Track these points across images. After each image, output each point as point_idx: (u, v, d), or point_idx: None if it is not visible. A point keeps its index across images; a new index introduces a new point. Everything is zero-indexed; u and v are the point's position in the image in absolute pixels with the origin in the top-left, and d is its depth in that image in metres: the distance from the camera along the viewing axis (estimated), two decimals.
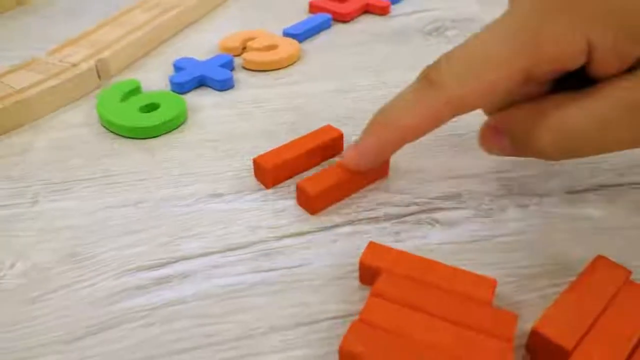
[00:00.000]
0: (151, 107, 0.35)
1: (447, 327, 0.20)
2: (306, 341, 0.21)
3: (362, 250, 0.23)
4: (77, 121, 0.35)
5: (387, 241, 0.25)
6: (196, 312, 0.22)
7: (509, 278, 0.23)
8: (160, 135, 0.33)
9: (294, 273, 0.24)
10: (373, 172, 0.28)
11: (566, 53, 0.21)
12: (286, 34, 0.44)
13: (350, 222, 0.26)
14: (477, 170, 0.29)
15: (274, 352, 0.21)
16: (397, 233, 0.25)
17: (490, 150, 0.25)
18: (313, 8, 0.49)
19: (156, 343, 0.21)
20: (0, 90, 0.35)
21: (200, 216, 0.27)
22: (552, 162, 0.29)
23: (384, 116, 0.24)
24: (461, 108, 0.23)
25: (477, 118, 0.30)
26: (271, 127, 0.34)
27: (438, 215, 0.26)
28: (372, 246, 0.23)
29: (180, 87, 0.37)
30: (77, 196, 0.29)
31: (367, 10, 0.49)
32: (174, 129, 0.34)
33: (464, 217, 0.26)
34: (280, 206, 0.27)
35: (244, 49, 0.43)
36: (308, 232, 0.26)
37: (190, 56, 0.41)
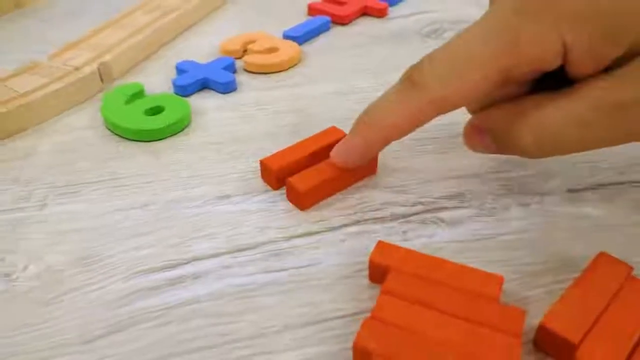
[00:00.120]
0: (156, 110, 0.35)
1: (457, 324, 0.20)
2: (319, 339, 0.21)
3: (370, 250, 0.23)
4: (81, 124, 0.36)
5: (395, 240, 0.25)
6: (210, 312, 0.23)
7: (514, 275, 0.24)
8: (165, 138, 0.34)
9: (304, 273, 0.24)
10: (361, 170, 0.29)
11: (544, 53, 0.21)
12: (286, 36, 0.44)
13: (358, 222, 0.27)
14: (478, 170, 0.30)
15: (287, 350, 0.21)
16: (404, 232, 0.26)
17: (474, 148, 0.26)
18: (312, 11, 0.49)
19: (172, 342, 0.21)
20: (4, 94, 0.35)
21: (209, 218, 0.27)
22: (549, 162, 0.29)
23: (369, 116, 0.25)
24: (443, 108, 0.23)
25: (470, 117, 0.30)
26: (274, 129, 0.34)
27: (443, 214, 0.27)
28: (381, 245, 0.24)
29: (184, 90, 0.38)
30: (86, 199, 0.29)
31: (365, 12, 0.49)
32: (179, 131, 0.34)
33: (468, 216, 0.27)
34: (287, 207, 0.28)
35: (245, 51, 0.43)
36: (316, 233, 0.26)
37: (191, 59, 0.41)
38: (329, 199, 0.28)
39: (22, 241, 0.27)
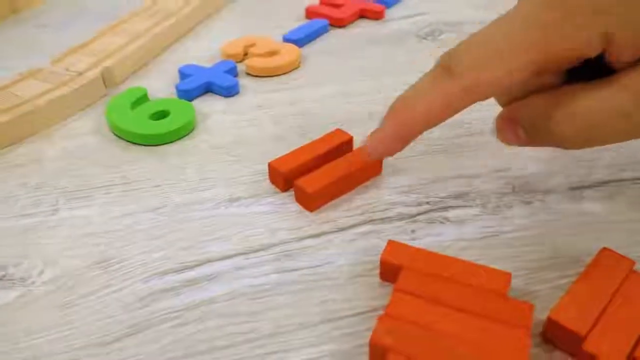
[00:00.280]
0: (161, 115, 0.36)
1: (469, 319, 0.21)
2: (334, 336, 0.22)
3: (380, 249, 0.24)
4: (87, 129, 0.36)
5: (403, 239, 0.26)
6: (227, 312, 0.23)
7: (520, 271, 0.24)
8: (171, 142, 0.34)
9: (317, 272, 0.25)
10: (367, 170, 0.30)
11: (583, 44, 0.21)
12: (286, 39, 0.45)
13: (366, 222, 0.27)
14: (481, 169, 0.30)
15: (305, 347, 0.22)
16: (413, 231, 0.27)
17: (506, 140, 0.26)
18: (309, 14, 0.50)
19: (192, 342, 0.22)
20: (10, 100, 0.36)
21: (220, 220, 0.28)
22: (550, 160, 0.30)
23: (402, 104, 0.25)
24: (477, 96, 0.23)
25: (477, 119, 0.31)
26: (279, 132, 0.35)
27: (449, 213, 0.28)
28: (392, 244, 0.24)
29: (187, 94, 0.38)
30: (97, 204, 0.29)
31: (362, 15, 0.50)
32: (185, 135, 0.35)
33: (473, 214, 0.28)
34: (296, 208, 0.28)
35: (246, 55, 0.43)
36: (326, 233, 0.27)
37: (192, 63, 0.42)
38: (336, 200, 0.29)
39: (36, 246, 0.27)
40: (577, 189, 0.29)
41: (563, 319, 0.21)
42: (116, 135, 0.35)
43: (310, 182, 0.28)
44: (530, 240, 0.26)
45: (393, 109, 0.25)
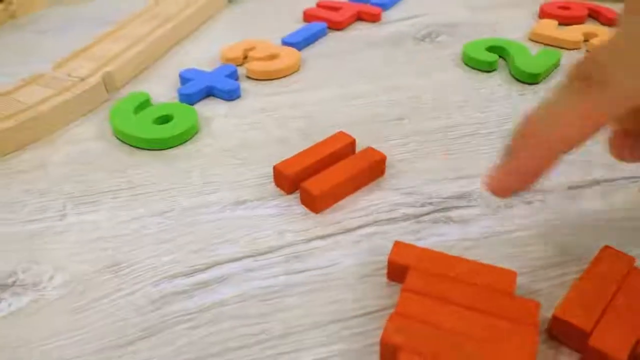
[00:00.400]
0: (164, 119, 0.36)
1: (477, 317, 0.21)
2: (345, 336, 0.23)
3: (385, 249, 0.25)
4: (90, 134, 0.36)
5: (409, 240, 0.27)
6: (239, 314, 0.24)
7: (524, 270, 0.25)
8: (175, 146, 0.34)
9: (325, 273, 0.25)
10: (371, 172, 0.30)
11: None
12: (285, 42, 0.45)
13: (372, 223, 0.28)
14: (481, 170, 0.31)
15: (317, 347, 0.22)
16: (417, 232, 0.27)
17: (621, 156, 0.24)
18: (307, 17, 0.50)
19: (205, 344, 0.22)
20: (13, 106, 0.36)
21: (227, 223, 0.28)
22: None
23: (536, 128, 0.21)
24: (629, 104, 0.20)
25: (473, 119, 0.32)
26: (282, 134, 0.35)
27: (452, 213, 0.28)
28: (399, 245, 0.25)
29: (189, 98, 0.38)
30: (105, 208, 0.30)
31: (359, 17, 0.50)
32: (188, 139, 0.35)
33: (476, 214, 0.28)
34: (302, 210, 0.29)
35: (245, 58, 0.44)
36: (333, 234, 0.27)
37: (193, 67, 0.42)
38: (341, 202, 0.29)
39: (45, 251, 0.27)
40: (575, 189, 0.29)
41: (569, 316, 0.21)
42: (120, 140, 0.35)
43: (316, 185, 0.28)
44: (532, 239, 0.27)
45: (525, 136, 0.21)
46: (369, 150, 0.31)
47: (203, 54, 0.46)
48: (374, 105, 0.37)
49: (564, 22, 0.47)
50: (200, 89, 0.39)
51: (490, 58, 0.41)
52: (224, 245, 0.27)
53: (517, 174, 0.22)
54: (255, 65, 0.42)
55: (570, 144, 0.21)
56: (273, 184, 0.31)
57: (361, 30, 0.49)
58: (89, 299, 0.25)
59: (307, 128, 0.36)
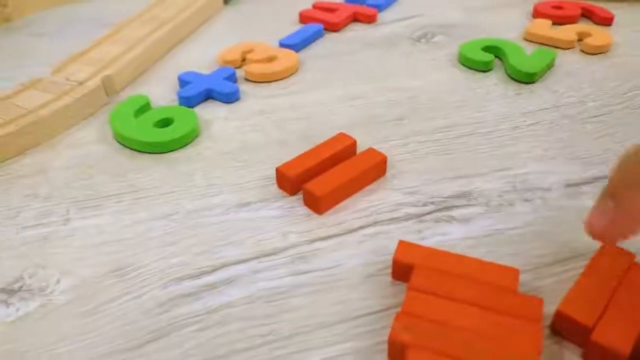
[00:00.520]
0: (165, 122, 0.36)
1: (482, 314, 0.22)
2: (352, 335, 0.23)
3: (389, 248, 0.25)
4: (91, 138, 0.36)
5: (412, 239, 0.27)
6: (246, 315, 0.24)
7: (526, 267, 0.25)
8: (176, 149, 0.35)
9: (330, 273, 0.26)
10: (372, 173, 0.31)
11: None
12: (282, 44, 0.46)
13: (374, 223, 0.28)
14: (481, 169, 0.31)
15: (325, 346, 0.22)
16: (420, 231, 0.27)
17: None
18: (303, 18, 0.50)
19: (214, 345, 0.23)
20: (14, 111, 0.36)
21: (231, 225, 0.28)
22: (547, 159, 0.31)
23: None
24: None
25: (470, 119, 0.32)
26: (282, 136, 0.35)
27: (454, 212, 0.29)
28: (403, 244, 0.25)
29: (189, 101, 0.39)
30: (109, 212, 0.30)
31: (355, 18, 0.51)
32: (189, 142, 0.35)
33: (477, 213, 0.29)
34: (305, 211, 0.29)
35: (243, 60, 0.44)
36: (336, 235, 0.28)
37: (190, 70, 0.42)
38: (343, 202, 0.30)
39: (51, 256, 0.27)
40: (573, 186, 0.30)
41: (571, 311, 0.22)
42: (121, 143, 0.35)
43: (319, 186, 0.29)
44: (533, 236, 0.27)
45: (629, 187, 0.20)
46: (370, 151, 0.31)
47: (201, 56, 0.46)
48: (372, 106, 0.38)
49: (558, 21, 0.47)
50: (199, 92, 0.39)
51: (486, 58, 0.41)
52: (229, 247, 0.27)
53: (625, 222, 0.22)
54: (253, 68, 0.42)
55: None
56: (275, 185, 0.31)
57: (357, 31, 0.49)
58: (97, 303, 0.25)
59: (307, 129, 0.36)
